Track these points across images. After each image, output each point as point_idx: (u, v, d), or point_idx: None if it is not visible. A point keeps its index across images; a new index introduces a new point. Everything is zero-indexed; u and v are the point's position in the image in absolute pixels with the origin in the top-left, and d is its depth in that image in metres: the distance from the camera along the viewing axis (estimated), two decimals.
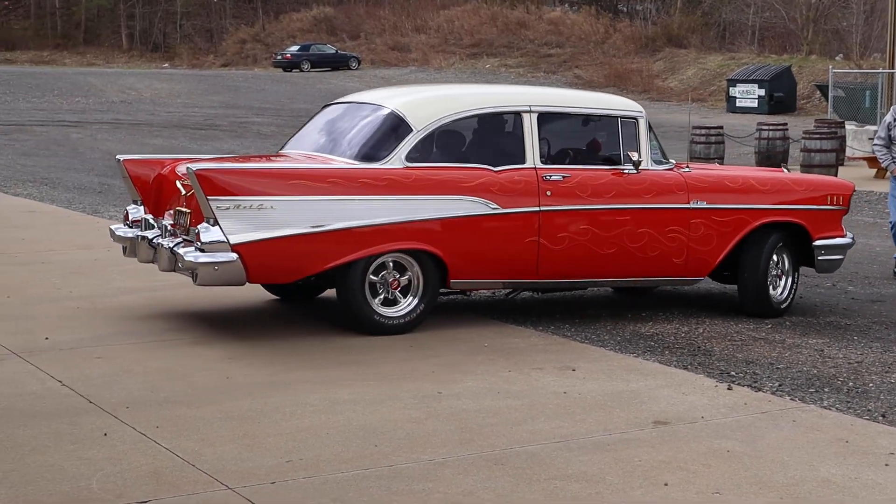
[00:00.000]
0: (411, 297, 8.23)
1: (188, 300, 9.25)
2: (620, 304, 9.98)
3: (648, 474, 5.52)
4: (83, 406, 6.48)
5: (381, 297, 8.16)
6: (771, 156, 24.12)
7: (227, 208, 7.59)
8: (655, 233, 8.82)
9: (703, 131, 24.02)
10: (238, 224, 7.60)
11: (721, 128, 24.48)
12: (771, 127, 24.89)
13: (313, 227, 7.80)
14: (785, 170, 10.63)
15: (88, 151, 26.33)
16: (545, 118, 8.67)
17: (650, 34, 60.65)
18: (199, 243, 7.65)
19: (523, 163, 8.47)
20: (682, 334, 8.78)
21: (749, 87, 44.71)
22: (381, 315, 8.11)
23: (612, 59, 57.76)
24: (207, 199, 7.57)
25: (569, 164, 8.81)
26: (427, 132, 8.27)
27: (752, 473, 5.60)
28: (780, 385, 7.31)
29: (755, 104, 43.81)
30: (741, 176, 9.55)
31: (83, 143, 28.67)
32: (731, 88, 45.71)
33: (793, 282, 9.49)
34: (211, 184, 7.59)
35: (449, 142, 8.53)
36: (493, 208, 8.25)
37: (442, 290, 8.57)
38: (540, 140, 8.55)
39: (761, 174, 9.98)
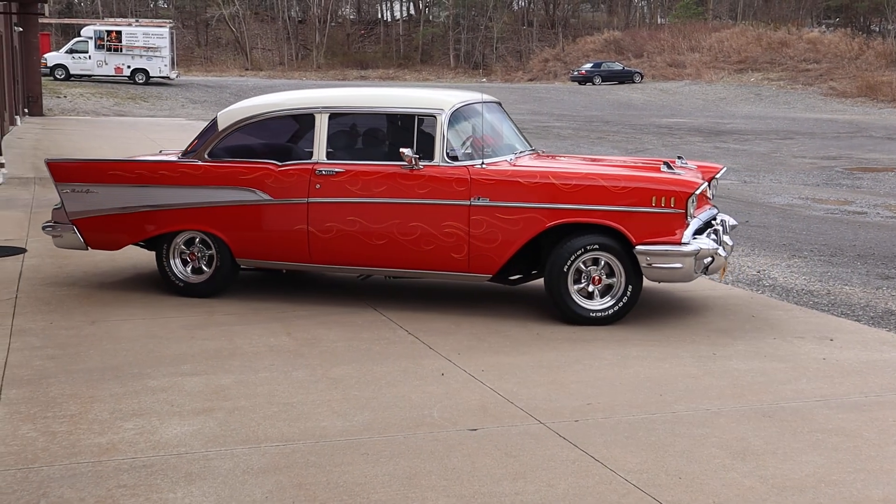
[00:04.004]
0: (210, 269, 8.23)
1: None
2: (871, 284, 9.44)
3: None
4: (425, 351, 6.67)
5: (191, 266, 8.30)
6: None
7: (67, 192, 8.46)
8: (429, 227, 7.53)
9: None
10: (74, 203, 8.44)
11: None
12: None
13: (122, 208, 8.29)
14: (678, 160, 7.98)
15: None
16: (338, 118, 7.91)
17: None
18: (52, 218, 8.71)
19: (310, 159, 7.82)
20: None
21: None
22: (180, 279, 8.26)
23: (864, 73, 54.50)
24: (56, 184, 8.52)
25: (356, 160, 7.80)
26: (226, 133, 8.15)
27: None
28: None
29: None
30: (539, 172, 7.51)
31: None
32: None
33: (626, 290, 7.41)
34: (57, 172, 8.52)
35: (248, 141, 8.21)
36: (266, 198, 7.86)
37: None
38: (330, 138, 7.83)
39: (572, 168, 7.68)
